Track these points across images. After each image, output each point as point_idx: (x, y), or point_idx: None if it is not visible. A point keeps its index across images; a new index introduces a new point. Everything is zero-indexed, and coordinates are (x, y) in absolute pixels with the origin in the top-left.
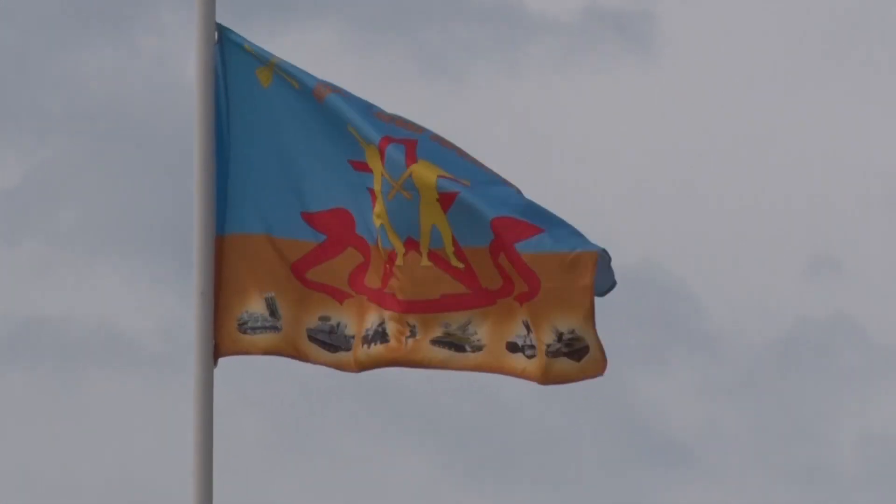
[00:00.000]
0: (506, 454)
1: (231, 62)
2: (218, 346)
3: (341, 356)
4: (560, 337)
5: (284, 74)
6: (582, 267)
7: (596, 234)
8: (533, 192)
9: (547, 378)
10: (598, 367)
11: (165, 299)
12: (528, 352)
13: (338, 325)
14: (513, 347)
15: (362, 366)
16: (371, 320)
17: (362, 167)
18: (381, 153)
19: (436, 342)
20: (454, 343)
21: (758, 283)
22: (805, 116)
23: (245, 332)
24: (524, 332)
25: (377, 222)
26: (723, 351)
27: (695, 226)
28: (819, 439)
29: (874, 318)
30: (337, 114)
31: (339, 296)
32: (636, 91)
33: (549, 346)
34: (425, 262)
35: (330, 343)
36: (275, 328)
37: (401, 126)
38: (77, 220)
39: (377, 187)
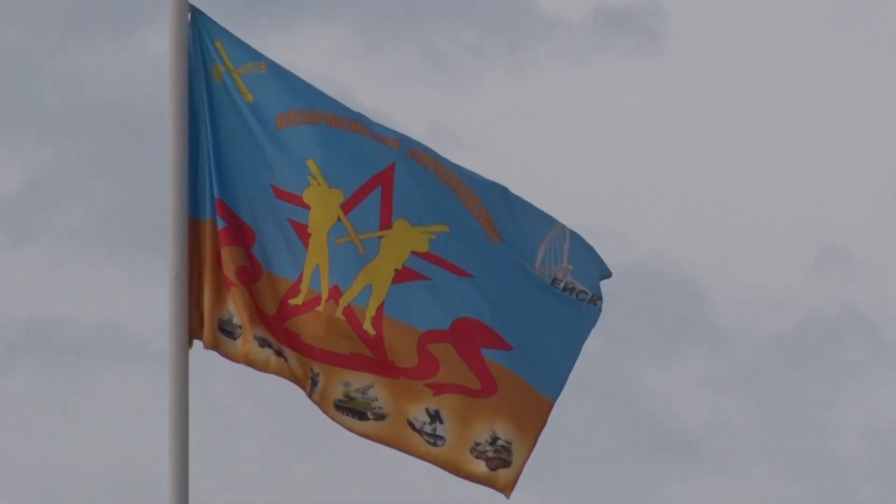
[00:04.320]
0: None
1: (200, 47)
2: (193, 329)
3: (235, 344)
4: (494, 441)
5: (242, 87)
6: (539, 409)
7: (605, 229)
8: (544, 190)
9: (455, 469)
10: (507, 487)
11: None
12: (428, 438)
13: (229, 311)
14: (412, 426)
15: (252, 363)
16: (261, 329)
17: (291, 199)
18: (350, 203)
19: (338, 407)
20: (355, 410)
21: (766, 276)
22: (814, 109)
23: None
24: (425, 419)
25: (313, 262)
26: (730, 344)
27: (703, 220)
28: (825, 432)
29: (883, 310)
30: (295, 145)
31: (227, 283)
32: (646, 87)
33: (477, 444)
34: (339, 314)
35: (228, 330)
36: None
37: (380, 141)
38: (81, 219)
39: (319, 227)
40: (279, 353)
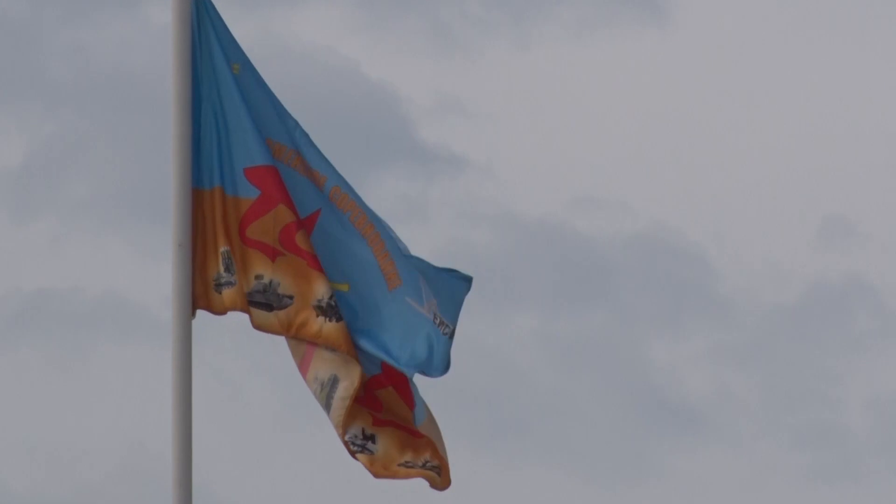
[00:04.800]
0: (519, 419)
1: (205, 18)
2: (196, 300)
3: (275, 316)
4: (424, 464)
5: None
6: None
7: (610, 199)
8: (549, 161)
9: (382, 471)
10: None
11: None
12: (355, 448)
13: (270, 282)
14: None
15: (312, 337)
16: (321, 290)
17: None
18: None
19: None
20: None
21: (770, 246)
22: (818, 79)
23: (219, 292)
24: (359, 435)
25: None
26: (735, 315)
27: (708, 190)
28: (830, 402)
29: (887, 280)
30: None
31: (270, 253)
32: (651, 59)
33: (407, 462)
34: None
35: (265, 302)
36: (230, 283)
37: (313, 181)
38: (86, 191)
39: None
40: (326, 315)
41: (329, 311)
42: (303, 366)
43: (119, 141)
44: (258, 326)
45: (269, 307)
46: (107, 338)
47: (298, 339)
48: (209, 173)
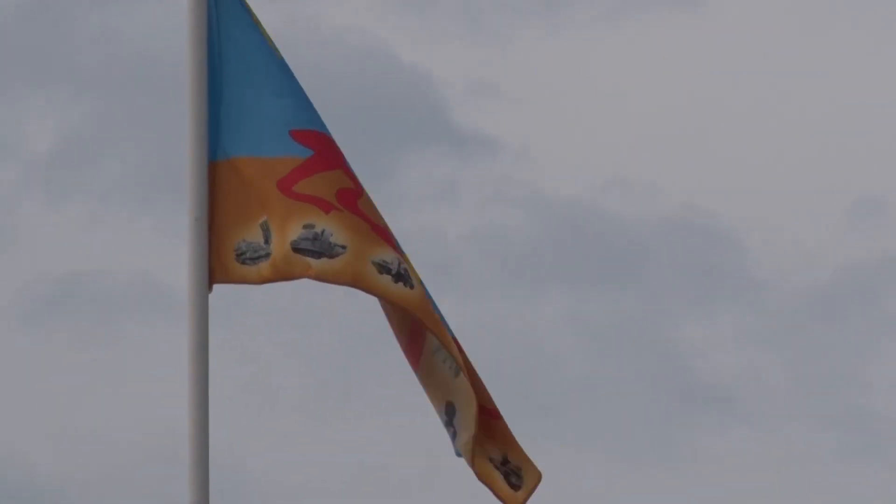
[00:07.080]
0: (549, 401)
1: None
2: (214, 273)
3: (325, 263)
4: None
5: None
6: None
7: (642, 180)
8: (582, 144)
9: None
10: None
11: None
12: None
13: (322, 231)
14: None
15: (380, 293)
16: (388, 254)
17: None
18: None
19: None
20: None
21: (802, 227)
22: (850, 61)
23: (244, 263)
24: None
25: None
26: (766, 297)
27: (739, 172)
28: (860, 384)
29: None
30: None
31: (324, 206)
32: (683, 42)
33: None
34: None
35: (313, 250)
36: (267, 255)
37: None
38: (116, 174)
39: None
40: (402, 280)
41: (402, 277)
42: (411, 359)
43: (148, 123)
44: (306, 275)
45: (318, 255)
46: (138, 320)
47: (361, 289)
48: (225, 144)
